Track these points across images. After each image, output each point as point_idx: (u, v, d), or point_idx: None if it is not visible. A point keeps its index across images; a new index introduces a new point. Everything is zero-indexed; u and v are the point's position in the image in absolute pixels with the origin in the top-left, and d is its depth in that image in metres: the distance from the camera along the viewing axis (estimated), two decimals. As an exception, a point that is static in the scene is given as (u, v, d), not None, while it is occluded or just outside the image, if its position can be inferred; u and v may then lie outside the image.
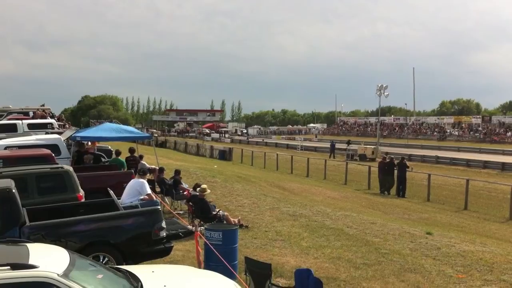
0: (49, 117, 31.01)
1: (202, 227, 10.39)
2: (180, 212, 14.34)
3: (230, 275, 6.88)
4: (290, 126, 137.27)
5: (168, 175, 16.64)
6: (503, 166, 39.46)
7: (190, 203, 12.95)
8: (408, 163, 27.24)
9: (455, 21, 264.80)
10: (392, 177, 25.22)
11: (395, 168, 25.13)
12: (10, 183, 8.40)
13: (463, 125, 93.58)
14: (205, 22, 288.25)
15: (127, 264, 7.44)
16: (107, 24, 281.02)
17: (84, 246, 7.76)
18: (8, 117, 30.06)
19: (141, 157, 17.93)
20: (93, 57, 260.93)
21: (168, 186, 15.15)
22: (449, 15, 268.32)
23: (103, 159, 18.16)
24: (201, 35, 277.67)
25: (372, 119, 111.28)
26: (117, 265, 7.29)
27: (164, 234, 8.58)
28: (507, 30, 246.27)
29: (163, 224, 8.59)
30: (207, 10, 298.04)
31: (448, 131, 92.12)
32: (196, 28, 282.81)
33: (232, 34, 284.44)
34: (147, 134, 24.36)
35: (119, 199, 10.76)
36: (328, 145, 55.85)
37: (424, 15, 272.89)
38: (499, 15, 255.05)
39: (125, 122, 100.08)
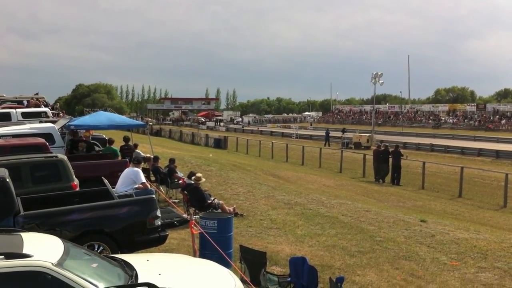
0: (43, 106, 30.87)
1: (197, 216, 10.40)
2: (175, 200, 14.34)
3: (225, 264, 6.88)
4: (285, 114, 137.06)
5: (163, 163, 16.60)
6: (498, 154, 39.57)
7: (185, 192, 12.93)
8: (402, 151, 27.29)
9: (449, 8, 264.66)
10: (386, 165, 25.27)
11: (389, 156, 25.17)
12: (4, 172, 8.35)
13: (458, 113, 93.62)
14: (198, 10, 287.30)
15: (122, 253, 7.44)
16: (100, 12, 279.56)
17: (79, 235, 7.75)
18: (2, 106, 29.88)
19: (135, 145, 17.90)
20: (86, 45, 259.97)
21: (163, 175, 15.13)
22: (443, 2, 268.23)
23: (97, 148, 18.12)
24: (195, 23, 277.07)
25: (367, 107, 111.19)
26: (111, 254, 7.28)
27: (159, 222, 8.58)
28: (500, 17, 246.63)
29: (158, 213, 8.58)
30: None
31: (443, 119, 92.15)
32: (189, 16, 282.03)
33: (225, 22, 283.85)
34: (142, 123, 24.35)
35: (113, 188, 10.73)
36: (323, 133, 55.84)
37: (418, 2, 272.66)
38: (493, 2, 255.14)
39: (119, 110, 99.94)
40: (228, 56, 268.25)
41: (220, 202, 12.59)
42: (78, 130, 17.19)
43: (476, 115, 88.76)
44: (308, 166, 32.82)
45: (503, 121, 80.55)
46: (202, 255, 7.97)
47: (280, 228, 11.68)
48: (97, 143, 18.96)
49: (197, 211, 11.86)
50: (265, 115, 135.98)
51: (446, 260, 9.60)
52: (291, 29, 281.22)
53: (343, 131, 55.19)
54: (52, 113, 27.52)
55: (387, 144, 29.80)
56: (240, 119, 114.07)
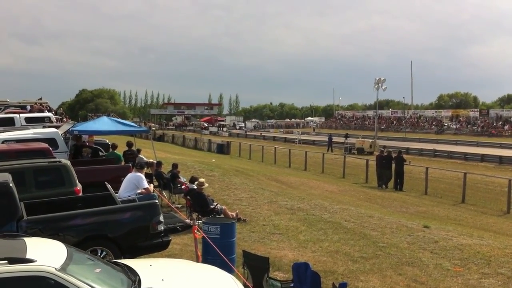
0: (46, 111, 30.94)
1: (200, 221, 10.39)
2: (178, 206, 14.33)
3: (228, 269, 6.88)
4: (288, 120, 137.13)
5: (166, 169, 16.63)
6: (501, 160, 39.51)
7: (188, 197, 12.95)
8: (405, 156, 27.26)
9: (451, 13, 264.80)
10: (389, 171, 25.24)
11: (392, 162, 25.14)
12: (7, 177, 8.38)
13: (461, 118, 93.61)
14: (200, 15, 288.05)
15: (125, 258, 7.44)
16: (102, 17, 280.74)
17: (82, 240, 7.75)
18: (6, 110, 29.99)
19: (139, 151, 17.91)
20: (89, 50, 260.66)
21: (166, 180, 15.14)
22: (445, 8, 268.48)
23: (100, 153, 18.13)
24: (197, 28, 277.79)
25: (370, 113, 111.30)
26: (115, 259, 7.29)
27: (162, 228, 8.58)
28: (502, 23, 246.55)
29: (161, 218, 8.59)
30: (202, 2, 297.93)
31: (446, 124, 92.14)
32: (192, 21, 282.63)
33: (228, 27, 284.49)
34: (145, 128, 24.37)
35: (116, 193, 10.74)
36: (326, 138, 55.85)
37: (420, 8, 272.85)
38: (495, 8, 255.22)
39: (122, 115, 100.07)
40: (230, 61, 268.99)
41: (223, 207, 12.59)
42: (81, 135, 17.23)
43: (479, 121, 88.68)
44: (311, 172, 32.81)
45: (506, 127, 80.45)
46: (205, 261, 7.96)
47: (283, 234, 11.67)
48: (101, 148, 18.98)
49: (200, 216, 11.86)
50: (268, 121, 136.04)
51: (450, 266, 9.57)
52: (294, 35, 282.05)
53: (346, 136, 55.24)
54: (56, 118, 27.58)
55: (390, 149, 29.78)
56: (243, 124, 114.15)
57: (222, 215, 11.97)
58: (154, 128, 74.58)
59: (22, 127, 20.72)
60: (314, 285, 6.65)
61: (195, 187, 12.70)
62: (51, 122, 24.40)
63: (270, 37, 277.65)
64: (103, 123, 17.44)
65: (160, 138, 62.65)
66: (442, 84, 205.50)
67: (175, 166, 15.92)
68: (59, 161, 11.34)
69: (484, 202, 21.75)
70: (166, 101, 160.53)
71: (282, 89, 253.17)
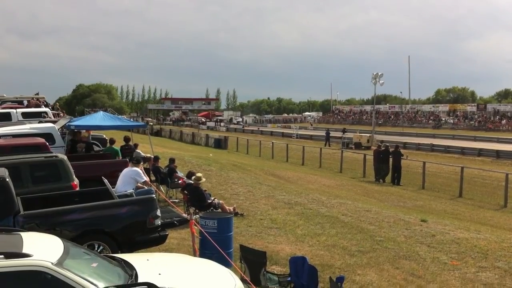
0: (43, 106, 30.86)
1: (197, 215, 10.40)
2: (175, 200, 14.33)
3: (225, 263, 6.88)
4: (286, 115, 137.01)
5: (163, 163, 16.59)
6: (498, 154, 39.54)
7: (185, 192, 12.93)
8: (403, 151, 27.27)
9: (448, 8, 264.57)
10: (387, 165, 25.25)
11: (390, 156, 25.15)
12: (4, 172, 8.36)
13: (458, 113, 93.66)
14: (197, 11, 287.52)
15: (121, 252, 7.43)
16: (99, 12, 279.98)
17: (79, 235, 7.75)
18: (2, 106, 29.90)
19: (136, 145, 17.89)
20: (86, 45, 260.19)
21: (163, 175, 15.13)
22: (442, 2, 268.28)
23: (97, 148, 18.10)
24: (194, 23, 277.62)
25: (368, 107, 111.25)
26: (111, 253, 7.28)
27: (159, 222, 8.58)
28: (500, 17, 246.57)
29: (158, 213, 8.59)
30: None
31: (443, 119, 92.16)
32: (188, 16, 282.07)
33: (225, 23, 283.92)
34: (142, 123, 24.36)
35: (113, 187, 10.73)
36: (323, 133, 55.83)
37: (417, 2, 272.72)
38: (492, 2, 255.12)
39: (120, 111, 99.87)
40: (228, 56, 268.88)
41: (220, 201, 12.59)
42: (80, 131, 17.19)
43: (476, 115, 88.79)
44: (308, 166, 32.81)
45: (504, 121, 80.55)
46: (202, 255, 7.96)
47: (280, 228, 11.67)
48: (97, 143, 18.94)
49: (197, 210, 11.86)
50: (266, 115, 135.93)
51: (447, 260, 9.60)
52: (291, 30, 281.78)
53: (344, 131, 55.17)
54: (53, 113, 27.51)
55: (388, 144, 29.78)
56: (240, 119, 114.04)
57: (219, 210, 11.96)
58: (151, 123, 74.55)
59: (19, 122, 20.66)
60: (311, 278, 6.66)
61: (192, 182, 12.69)
62: (48, 117, 24.33)
63: (267, 32, 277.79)
64: (99, 118, 17.42)
65: (158, 133, 62.59)
66: (440, 78, 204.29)
67: (172, 160, 15.90)
68: (56, 156, 11.31)
69: (481, 196, 21.79)
70: (163, 96, 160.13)
71: (279, 84, 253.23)
